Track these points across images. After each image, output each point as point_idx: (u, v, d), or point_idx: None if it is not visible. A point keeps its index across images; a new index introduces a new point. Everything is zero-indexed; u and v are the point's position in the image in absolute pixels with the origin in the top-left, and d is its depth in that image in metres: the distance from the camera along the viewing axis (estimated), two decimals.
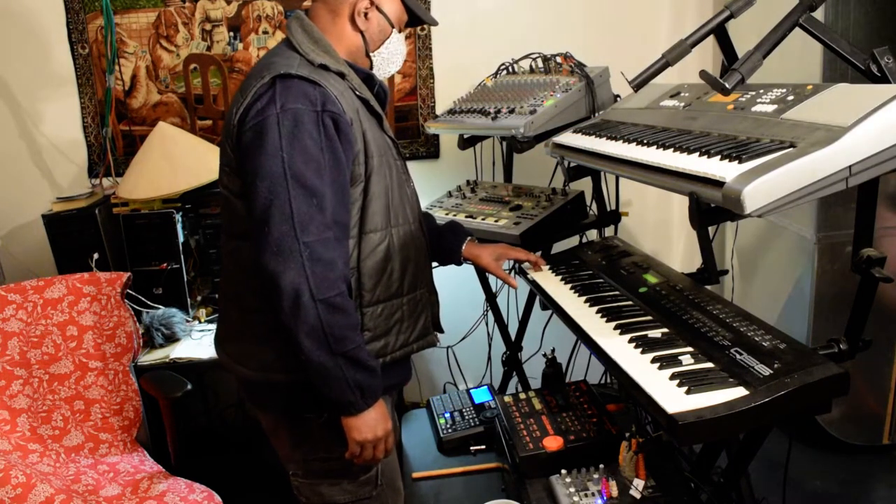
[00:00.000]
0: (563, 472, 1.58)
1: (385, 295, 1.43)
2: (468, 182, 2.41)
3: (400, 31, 1.54)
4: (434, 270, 1.64)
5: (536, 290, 1.83)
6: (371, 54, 1.50)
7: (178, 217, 2.38)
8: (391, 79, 2.69)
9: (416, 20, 1.58)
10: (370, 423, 1.35)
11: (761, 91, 1.40)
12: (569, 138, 1.81)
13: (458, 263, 1.77)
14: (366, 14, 1.45)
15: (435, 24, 1.61)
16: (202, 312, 2.44)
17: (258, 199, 1.28)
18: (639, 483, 1.51)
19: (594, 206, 2.16)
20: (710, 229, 1.63)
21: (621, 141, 1.54)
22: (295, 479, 1.51)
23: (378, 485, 1.50)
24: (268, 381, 1.42)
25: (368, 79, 1.50)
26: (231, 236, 1.45)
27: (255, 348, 1.42)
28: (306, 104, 1.29)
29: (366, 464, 1.42)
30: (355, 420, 1.34)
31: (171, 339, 2.28)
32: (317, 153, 1.29)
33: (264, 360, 1.40)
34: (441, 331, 1.63)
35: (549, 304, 1.73)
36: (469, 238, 1.77)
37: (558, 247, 2.12)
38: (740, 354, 1.24)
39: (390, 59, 1.55)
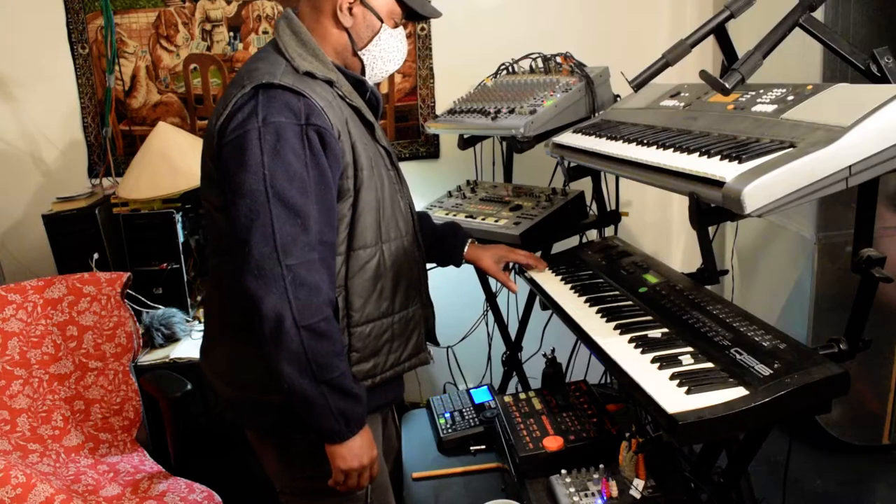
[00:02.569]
0: (563, 472, 1.58)
1: (375, 314, 1.39)
2: (468, 182, 2.41)
3: (395, 27, 1.44)
4: (432, 271, 1.64)
5: (536, 290, 1.83)
6: (360, 52, 1.41)
7: (178, 217, 2.38)
8: (391, 78, 2.70)
9: (415, 14, 1.47)
10: (355, 451, 1.30)
11: (761, 91, 1.40)
12: (569, 138, 1.81)
13: (458, 265, 1.76)
14: (350, 9, 1.36)
15: (437, 15, 1.50)
16: (202, 312, 2.43)
17: (239, 217, 1.22)
18: (639, 483, 1.51)
19: (594, 206, 2.16)
20: (710, 229, 1.63)
21: (621, 141, 1.54)
22: (283, 497, 1.48)
23: (368, 503, 1.46)
24: (253, 401, 1.37)
25: (359, 85, 1.42)
26: (214, 250, 1.40)
27: (239, 368, 1.37)
28: (290, 117, 1.23)
29: (349, 491, 1.37)
30: (340, 448, 1.29)
31: (171, 339, 2.28)
32: (300, 170, 1.22)
33: (249, 381, 1.35)
34: (436, 343, 1.60)
35: (549, 304, 1.73)
36: (470, 240, 1.76)
37: (558, 247, 2.12)
38: (740, 354, 1.24)
39: (385, 56, 1.44)
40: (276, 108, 1.23)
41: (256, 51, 1.45)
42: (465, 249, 1.74)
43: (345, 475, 1.32)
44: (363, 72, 1.46)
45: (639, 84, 1.50)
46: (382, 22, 1.41)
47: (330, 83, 1.34)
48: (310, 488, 1.43)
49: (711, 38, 1.49)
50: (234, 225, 1.23)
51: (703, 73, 1.31)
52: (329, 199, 1.28)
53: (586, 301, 1.63)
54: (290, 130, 1.23)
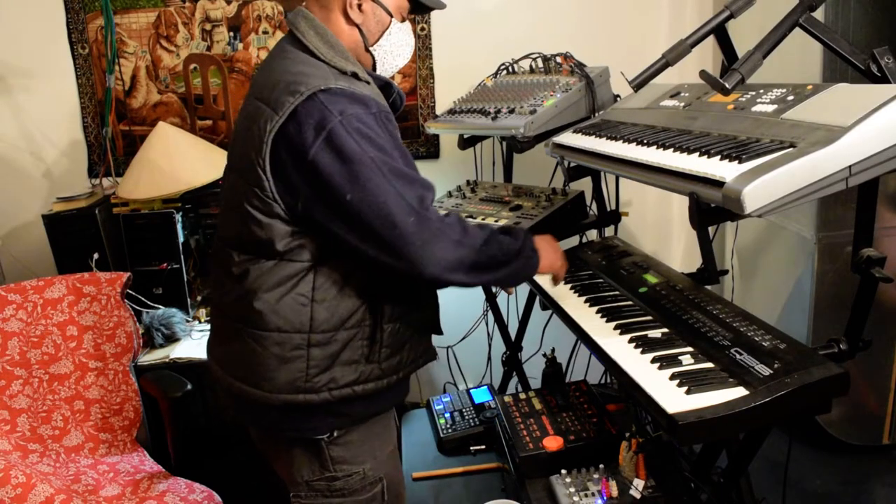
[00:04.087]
0: (563, 472, 1.58)
1: (403, 311, 1.39)
2: (468, 182, 2.41)
3: (403, 21, 1.45)
4: None
5: (536, 289, 1.83)
6: (371, 49, 1.41)
7: (178, 217, 2.38)
8: (390, 78, 2.69)
9: (421, 7, 1.48)
10: (551, 253, 1.48)
11: (761, 91, 1.40)
12: (569, 138, 1.81)
13: None
14: (359, 6, 1.36)
15: (442, 6, 1.51)
16: (202, 312, 2.44)
17: (363, 211, 1.21)
18: (639, 483, 1.51)
19: (594, 206, 2.16)
20: (710, 229, 1.63)
21: (621, 141, 1.54)
22: (296, 500, 1.45)
23: (384, 500, 1.45)
24: (274, 403, 1.33)
25: (385, 87, 1.43)
26: (250, 255, 1.32)
27: (268, 370, 1.33)
28: (361, 107, 1.25)
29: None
30: (542, 263, 1.43)
31: (171, 339, 2.28)
32: (391, 148, 1.26)
33: (278, 382, 1.32)
34: (440, 332, 1.62)
35: (549, 304, 1.73)
36: None
37: None
38: (740, 354, 1.24)
39: (394, 51, 1.45)
40: (343, 102, 1.24)
41: (276, 51, 1.39)
42: None
43: (555, 275, 1.56)
44: (374, 68, 1.46)
45: (639, 84, 1.50)
46: (392, 16, 1.42)
47: (366, 84, 1.34)
48: (326, 489, 1.41)
49: (711, 38, 1.49)
50: (360, 219, 1.22)
51: (703, 73, 1.31)
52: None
53: (586, 301, 1.63)
54: (367, 118, 1.25)
